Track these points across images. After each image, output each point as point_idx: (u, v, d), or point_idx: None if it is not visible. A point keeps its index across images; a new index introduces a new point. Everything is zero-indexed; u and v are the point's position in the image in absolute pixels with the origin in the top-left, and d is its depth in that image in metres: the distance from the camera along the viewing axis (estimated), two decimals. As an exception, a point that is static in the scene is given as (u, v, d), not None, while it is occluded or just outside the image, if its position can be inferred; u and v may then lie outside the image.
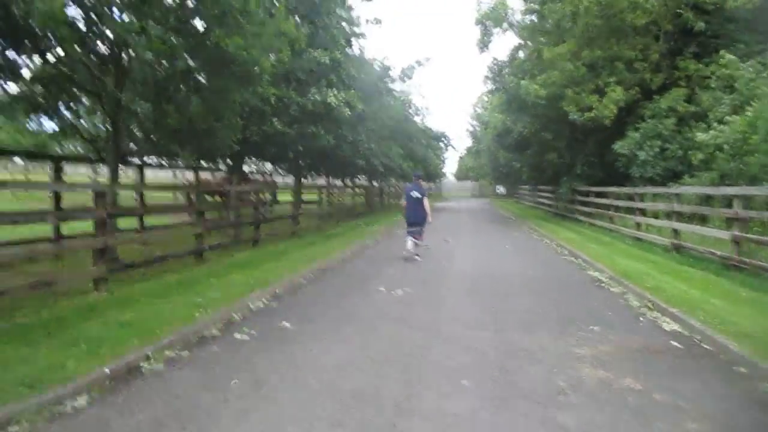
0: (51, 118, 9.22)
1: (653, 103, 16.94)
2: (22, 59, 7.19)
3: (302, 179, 28.11)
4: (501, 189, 57.23)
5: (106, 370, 4.38)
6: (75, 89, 8.85)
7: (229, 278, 8.72)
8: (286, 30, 9.98)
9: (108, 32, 6.74)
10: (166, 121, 8.83)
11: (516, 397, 4.27)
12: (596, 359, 5.15)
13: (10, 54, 6.84)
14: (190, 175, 19.28)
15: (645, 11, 16.40)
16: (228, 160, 15.76)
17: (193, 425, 3.73)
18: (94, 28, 6.63)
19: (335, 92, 13.02)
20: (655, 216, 14.26)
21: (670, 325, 6.37)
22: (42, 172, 28.41)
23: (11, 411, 3.66)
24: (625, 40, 18.01)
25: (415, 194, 12.09)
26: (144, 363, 4.77)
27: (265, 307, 7.24)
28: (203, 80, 9.17)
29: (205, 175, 20.52)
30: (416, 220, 12.04)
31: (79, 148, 12.40)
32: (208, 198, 19.37)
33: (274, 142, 14.83)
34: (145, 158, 14.86)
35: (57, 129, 9.88)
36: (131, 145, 10.88)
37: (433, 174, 49.35)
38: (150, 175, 36.31)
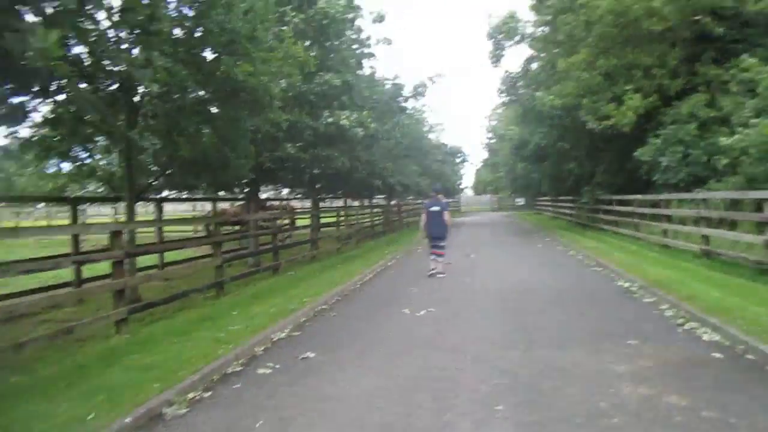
0: (64, 161, 9.25)
1: (673, 109, 16.61)
2: (31, 102, 7.24)
3: (319, 202, 28.18)
4: (520, 201, 56.70)
5: (128, 421, 4.24)
6: (87, 129, 8.88)
7: (251, 309, 8.59)
8: (295, 54, 9.98)
9: (112, 67, 6.75)
10: (178, 153, 8.81)
11: (555, 421, 4.03)
12: (636, 375, 4.88)
13: (18, 98, 6.89)
14: (209, 207, 19.37)
15: (662, 18, 16.14)
16: (245, 189, 15.76)
17: (217, 470, 3.56)
18: (98, 64, 6.64)
19: (348, 114, 12.97)
20: (682, 222, 13.87)
21: (709, 336, 6.05)
22: (67, 216, 28.95)
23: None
24: (641, 48, 17.74)
25: (435, 209, 12.02)
26: (166, 408, 4.61)
27: (288, 338, 7.08)
28: (214, 110, 9.18)
29: (223, 205, 20.62)
30: (438, 234, 11.95)
31: (100, 189, 12.49)
32: (228, 228, 19.48)
33: (288, 167, 14.81)
34: (164, 192, 14.97)
35: (74, 171, 9.90)
36: (150, 180, 10.86)
37: (451, 190, 49.13)
38: (171, 208, 36.84)
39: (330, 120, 12.92)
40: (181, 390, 4.95)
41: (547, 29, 21.76)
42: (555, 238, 20.15)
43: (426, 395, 4.68)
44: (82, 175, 11.01)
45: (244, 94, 8.93)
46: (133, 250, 8.66)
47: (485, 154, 67.48)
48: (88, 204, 26.97)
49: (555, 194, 30.72)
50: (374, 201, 30.81)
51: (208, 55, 8.92)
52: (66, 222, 17.68)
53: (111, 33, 7.08)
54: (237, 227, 19.00)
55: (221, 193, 18.12)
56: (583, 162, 21.94)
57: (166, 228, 23.65)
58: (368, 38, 17.90)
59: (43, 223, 31.16)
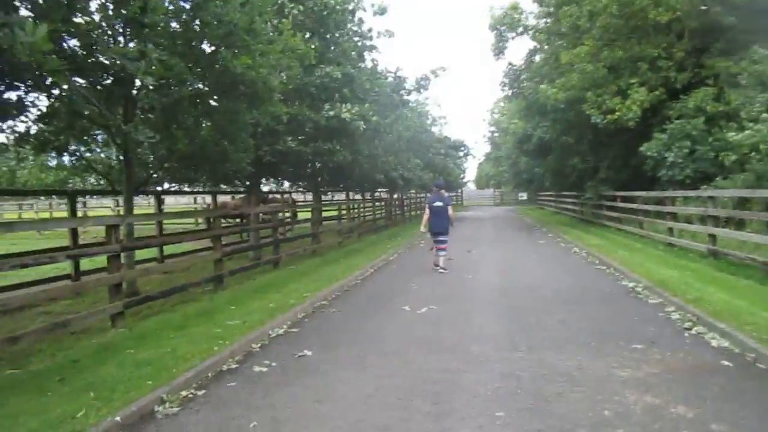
0: (61, 155, 9.10)
1: (680, 102, 16.36)
2: (28, 96, 7.09)
3: (321, 196, 28.04)
4: (523, 195, 56.48)
5: (118, 419, 4.12)
6: (84, 123, 8.74)
7: (250, 304, 8.48)
8: (295, 46, 9.81)
9: (105, 60, 6.58)
10: (176, 147, 8.66)
11: (558, 430, 3.90)
12: (642, 382, 4.75)
13: (12, 93, 6.74)
14: (210, 200, 19.25)
15: (668, 8, 15.86)
16: (245, 182, 15.62)
17: (208, 476, 3.45)
18: (90, 57, 6.47)
19: (349, 107, 12.80)
20: (688, 220, 13.70)
21: (717, 341, 5.89)
22: (79, 209, 28.99)
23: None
24: (647, 39, 17.47)
25: (438, 204, 12.04)
26: (158, 407, 4.50)
27: (286, 334, 6.96)
28: (212, 103, 9.02)
29: (224, 198, 20.51)
30: (441, 229, 11.99)
31: (102, 182, 12.39)
32: (229, 221, 19.36)
33: (289, 161, 14.67)
34: (165, 185, 14.85)
35: (71, 165, 9.77)
36: (150, 173, 10.72)
37: (454, 184, 48.93)
38: (172, 201, 36.79)
39: (331, 113, 12.76)
40: (174, 388, 4.84)
41: (550, 21, 21.51)
42: (558, 234, 19.98)
43: (425, 398, 4.55)
44: (81, 169, 10.91)
45: (242, 87, 8.78)
46: (130, 243, 8.54)
47: (487, 148, 67.15)
48: (88, 197, 27.04)
49: (558, 189, 30.52)
50: (376, 195, 30.67)
51: (206, 47, 8.77)
52: (65, 214, 17.69)
53: (104, 25, 6.94)
54: (238, 220, 18.93)
55: (223, 186, 18.02)
56: (586, 157, 21.71)
57: (168, 221, 23.68)
58: (370, 30, 17.69)
59: (46, 215, 31.19)
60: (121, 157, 9.16)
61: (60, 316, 7.78)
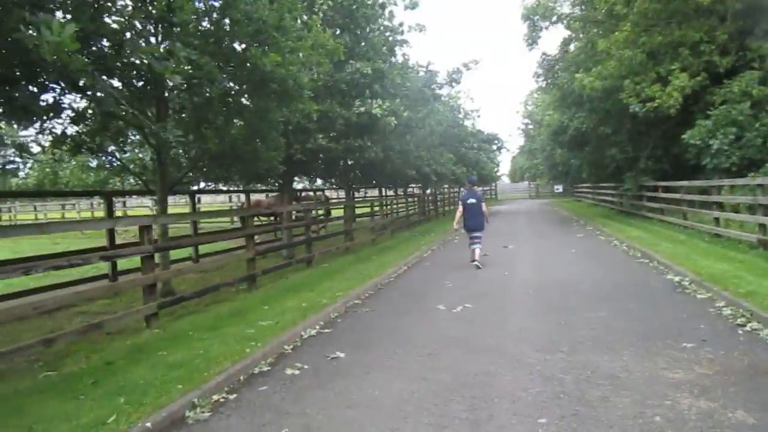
0: (95, 156, 9.19)
1: (724, 87, 15.64)
2: (62, 98, 7.14)
3: (354, 192, 27.97)
4: (559, 188, 55.43)
5: (148, 425, 4.05)
6: (117, 123, 8.80)
7: (282, 304, 8.41)
8: (324, 42, 9.68)
9: (134, 60, 6.57)
10: (206, 146, 8.63)
11: (604, 438, 3.66)
12: (695, 385, 4.44)
13: (48, 95, 6.80)
14: (244, 198, 19.36)
15: (711, -12, 15.14)
16: (278, 180, 15.63)
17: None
18: (118, 57, 6.46)
19: (380, 102, 12.62)
20: (735, 210, 13.09)
21: (775, 338, 5.53)
22: (118, 209, 29.73)
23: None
24: (688, 24, 16.74)
25: (472, 200, 11.95)
26: (189, 412, 4.42)
27: (318, 335, 6.85)
28: (242, 102, 8.97)
29: (258, 197, 20.60)
30: (476, 226, 11.87)
31: (139, 183, 12.56)
32: (263, 219, 19.46)
33: (320, 158, 14.59)
34: (201, 185, 14.96)
35: (106, 165, 9.88)
36: (183, 173, 10.76)
37: (488, 178, 48.30)
38: (209, 200, 37.36)
39: (362, 109, 12.60)
40: (205, 391, 4.77)
41: (584, 8, 20.88)
42: (596, 226, 19.43)
43: (462, 404, 4.36)
44: (117, 170, 11.04)
45: (272, 85, 8.69)
46: (163, 244, 8.56)
47: (521, 141, 66.15)
48: (127, 197, 27.62)
49: (595, 181, 29.73)
50: (409, 190, 30.44)
51: (236, 46, 8.72)
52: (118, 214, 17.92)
53: (136, 24, 6.93)
54: (271, 218, 19.00)
55: (257, 185, 18.10)
56: (625, 147, 21.03)
57: (204, 220, 23.95)
58: (401, 25, 17.48)
59: (88, 214, 32.07)
60: (155, 157, 9.21)
61: (96, 317, 7.87)
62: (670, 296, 7.90)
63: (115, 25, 6.46)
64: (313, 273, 11.74)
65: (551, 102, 27.56)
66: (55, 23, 4.34)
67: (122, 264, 10.94)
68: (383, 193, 26.30)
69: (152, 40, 7.66)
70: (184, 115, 9.52)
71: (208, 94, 7.67)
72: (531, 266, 11.51)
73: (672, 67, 16.36)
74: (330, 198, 26.53)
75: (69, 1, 5.46)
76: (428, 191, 32.22)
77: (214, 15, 8.35)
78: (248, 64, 8.31)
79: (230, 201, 31.96)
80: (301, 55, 9.41)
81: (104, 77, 6.52)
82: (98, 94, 6.35)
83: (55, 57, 4.27)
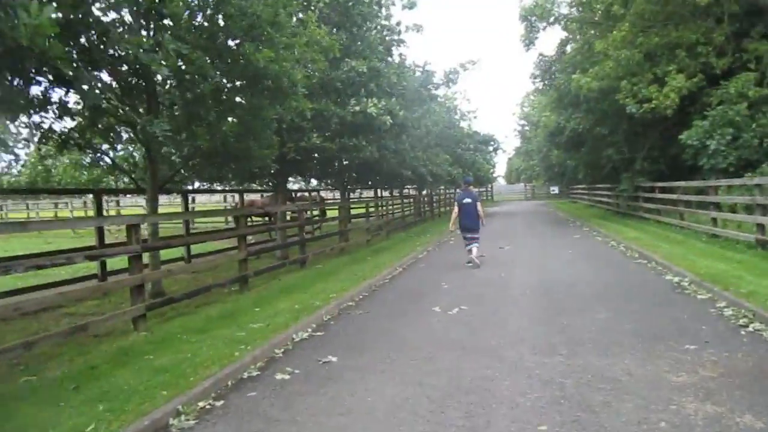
0: (83, 152, 8.95)
1: (720, 89, 15.56)
2: (51, 92, 6.94)
3: (349, 193, 27.78)
4: (555, 189, 55.37)
5: (127, 434, 3.87)
6: (110, 120, 8.59)
7: (275, 306, 8.22)
8: (319, 39, 9.51)
9: (119, 51, 6.36)
10: (197, 143, 8.44)
11: (608, 446, 3.50)
12: (700, 388, 4.28)
13: (36, 89, 6.60)
14: (238, 198, 19.17)
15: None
16: (272, 179, 15.44)
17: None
18: (101, 49, 6.25)
19: (375, 101, 12.45)
20: (732, 210, 13.00)
21: (779, 340, 5.38)
22: (111, 208, 29.46)
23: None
24: (685, 25, 16.65)
25: (467, 200, 11.96)
26: (173, 419, 4.22)
27: (310, 338, 6.67)
28: (235, 98, 8.78)
29: (252, 196, 20.41)
30: (472, 226, 11.87)
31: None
32: (257, 219, 19.25)
33: (315, 157, 14.41)
34: (195, 184, 14.75)
35: (94, 162, 9.64)
36: (175, 171, 10.54)
37: (484, 179, 48.21)
38: (204, 199, 37.06)
39: (357, 108, 12.42)
40: (191, 398, 4.57)
41: (582, 10, 20.79)
42: (593, 227, 19.31)
43: (458, 410, 4.18)
44: (109, 168, 10.82)
45: (266, 81, 8.51)
46: (151, 244, 8.36)
47: (517, 142, 66.11)
48: (122, 196, 27.34)
49: (591, 182, 29.69)
50: (405, 191, 30.28)
51: (230, 42, 8.54)
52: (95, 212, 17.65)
53: (120, 15, 6.75)
54: (266, 219, 18.79)
55: (253, 185, 17.89)
56: (621, 148, 20.94)
57: (198, 220, 23.71)
58: (398, 24, 17.34)
59: (81, 213, 31.75)
60: (145, 155, 9.01)
61: (84, 318, 7.67)
62: (670, 297, 7.75)
63: (100, 14, 6.25)
64: (306, 274, 11.55)
65: (548, 103, 27.47)
66: (33, 5, 4.15)
67: (116, 263, 10.72)
68: (379, 194, 26.12)
69: (143, 33, 7.48)
70: (176, 112, 9.32)
71: (199, 90, 7.47)
72: (528, 267, 11.36)
73: (669, 68, 16.28)
74: (325, 198, 26.34)
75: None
76: (424, 192, 32.07)
77: (208, 10, 8.18)
78: (241, 60, 8.14)
79: (225, 201, 31.77)
80: (296, 51, 9.24)
81: (90, 69, 6.29)
82: (84, 87, 6.12)
83: (32, 42, 4.07)
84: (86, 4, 5.82)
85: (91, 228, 11.41)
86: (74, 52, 6.12)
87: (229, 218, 22.10)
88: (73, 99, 7.88)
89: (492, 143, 44.02)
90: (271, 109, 9.06)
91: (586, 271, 10.40)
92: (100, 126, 8.74)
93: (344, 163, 16.49)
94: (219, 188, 17.58)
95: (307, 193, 23.23)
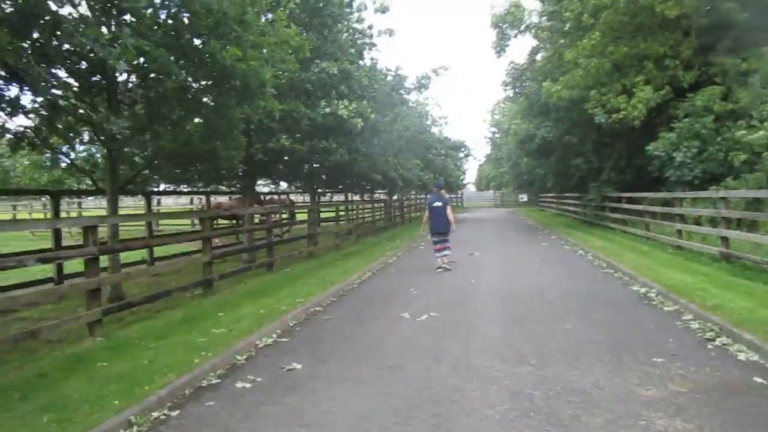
0: (40, 152, 8.52)
1: (687, 101, 15.87)
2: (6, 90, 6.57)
3: (319, 197, 27.51)
4: (524, 197, 55.99)
5: (72, 448, 3.61)
6: (65, 117, 8.21)
7: (239, 311, 7.97)
8: (288, 38, 9.30)
9: (76, 46, 6.04)
10: (159, 143, 8.14)
11: (577, 461, 3.40)
12: (669, 403, 4.23)
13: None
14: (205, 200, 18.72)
15: (677, 3, 15.33)
16: (239, 181, 15.12)
17: None
18: (51, 43, 5.91)
19: (346, 103, 12.28)
20: (697, 222, 13.22)
21: (746, 355, 5.36)
22: (72, 210, 28.51)
23: None
24: (653, 37, 16.97)
25: (438, 204, 12.00)
26: (124, 431, 3.99)
27: (275, 344, 6.46)
28: (201, 98, 8.50)
29: (220, 199, 19.99)
30: (441, 229, 11.92)
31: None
32: (224, 222, 18.86)
33: (283, 159, 14.16)
34: (161, 186, 14.34)
35: (50, 163, 9.21)
36: (137, 171, 10.15)
37: (454, 185, 48.45)
38: (171, 202, 36.23)
39: (327, 110, 12.24)
40: (145, 407, 4.33)
41: (553, 21, 21.04)
42: (561, 236, 19.48)
43: (425, 422, 4.04)
44: (68, 169, 10.39)
45: (233, 81, 8.27)
46: (109, 246, 8.02)
47: (488, 149, 66.70)
48: (83, 197, 26.50)
49: (559, 191, 30.05)
50: (375, 196, 30.17)
51: (195, 39, 8.27)
52: (63, 215, 16.88)
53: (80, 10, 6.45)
54: (233, 221, 18.42)
55: (221, 188, 17.50)
56: (590, 158, 21.23)
57: (164, 222, 23.12)
58: (370, 27, 17.23)
59: (41, 215, 30.65)
60: (106, 155, 8.65)
61: (36, 323, 7.32)
62: (637, 308, 7.77)
63: (56, 7, 5.94)
64: (273, 278, 11.31)
65: (518, 111, 27.72)
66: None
67: (77, 267, 10.28)
68: (349, 198, 25.93)
69: (104, 30, 7.17)
70: (138, 111, 8.99)
71: (162, 89, 7.19)
72: (497, 274, 11.33)
73: (637, 80, 16.54)
74: (295, 202, 26.03)
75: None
76: (395, 197, 32.00)
77: (173, 9, 7.90)
78: (207, 59, 7.89)
79: (192, 203, 31.13)
80: (265, 51, 9.02)
81: (42, 63, 5.97)
82: (37, 82, 5.81)
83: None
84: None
85: (36, 229, 10.92)
86: (25, 44, 5.79)
87: (195, 221, 21.64)
88: (30, 97, 7.55)
89: (463, 149, 44.29)
90: (238, 108, 8.81)
91: (555, 279, 10.41)
92: (58, 125, 8.35)
93: (314, 165, 16.26)
94: (186, 190, 17.17)
95: (276, 196, 22.90)
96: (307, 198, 25.41)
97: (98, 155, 11.31)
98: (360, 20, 16.82)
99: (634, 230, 16.95)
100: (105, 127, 6.20)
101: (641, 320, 6.98)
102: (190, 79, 8.42)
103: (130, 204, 30.28)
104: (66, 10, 6.42)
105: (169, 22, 7.95)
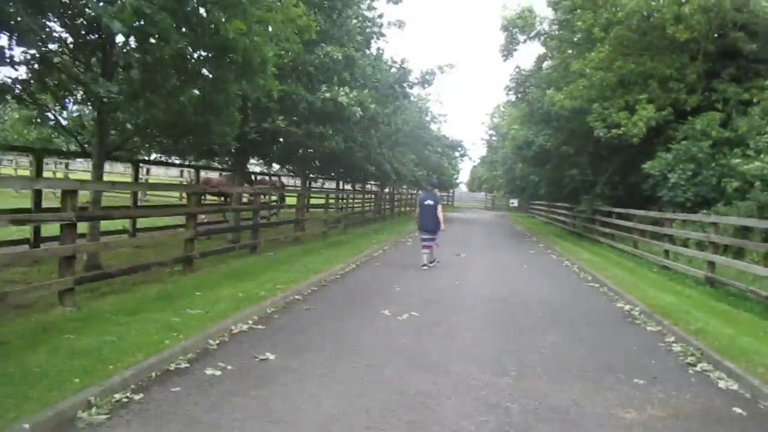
0: (27, 107, 8.21)
1: (687, 124, 15.86)
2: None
3: (311, 182, 27.27)
4: (515, 202, 56.03)
5: (26, 426, 3.37)
6: (59, 75, 7.92)
7: (217, 292, 7.78)
8: (296, 17, 9.06)
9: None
10: (151, 111, 7.89)
11: (551, 484, 3.27)
12: (648, 428, 4.11)
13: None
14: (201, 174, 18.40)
15: (688, 27, 15.26)
16: (231, 158, 14.85)
17: None
18: None
19: (347, 91, 12.05)
20: (684, 244, 13.20)
21: (725, 383, 5.26)
22: (59, 171, 28.00)
23: None
24: (660, 58, 16.92)
25: (429, 202, 11.92)
26: (82, 412, 3.76)
27: (250, 331, 6.28)
28: (199, 69, 8.25)
29: (210, 175, 19.70)
30: (430, 228, 11.85)
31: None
32: (212, 198, 18.59)
33: (278, 141, 13.91)
34: (145, 154, 14.01)
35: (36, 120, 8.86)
36: (125, 138, 9.86)
37: (447, 183, 48.35)
38: (160, 172, 35.71)
39: (327, 95, 11.99)
40: (107, 388, 4.12)
41: (563, 30, 20.90)
42: (549, 245, 19.43)
43: (397, 428, 3.89)
44: (56, 127, 10.07)
45: (234, 55, 8.03)
46: (89, 213, 7.76)
47: (484, 151, 66.60)
48: (71, 159, 26.01)
49: (551, 199, 30.04)
50: (367, 187, 29.98)
51: (200, 8, 8.01)
52: (49, 175, 16.37)
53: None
54: (221, 198, 18.15)
55: (214, 164, 17.20)
56: (585, 170, 21.20)
57: (152, 193, 22.75)
58: (381, 16, 16.94)
59: (26, 172, 30.07)
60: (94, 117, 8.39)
61: (5, 286, 7.07)
62: (620, 326, 7.68)
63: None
64: (256, 261, 11.13)
65: (519, 116, 27.63)
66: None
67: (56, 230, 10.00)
68: (341, 187, 25.73)
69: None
70: (133, 76, 8.71)
71: (159, 55, 6.94)
72: (482, 278, 11.23)
73: (640, 97, 16.48)
74: (286, 185, 25.78)
75: None
76: (386, 190, 31.83)
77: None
78: (211, 28, 7.64)
79: (182, 176, 30.74)
80: (270, 28, 8.78)
81: (32, 12, 5.70)
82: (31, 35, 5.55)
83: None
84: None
85: (10, 188, 10.55)
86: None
87: (184, 194, 21.31)
88: (21, 50, 7.26)
89: (459, 149, 44.16)
90: (236, 84, 8.57)
91: (540, 288, 10.32)
92: (48, 81, 8.05)
93: (309, 150, 16.03)
94: (177, 162, 16.88)
95: (267, 177, 22.64)
96: (299, 182, 25.19)
97: (90, 117, 11.02)
98: (371, 8, 16.54)
99: (622, 246, 16.92)
100: (92, 89, 5.94)
101: (624, 339, 6.88)
102: (190, 48, 8.18)
103: (119, 172, 29.83)
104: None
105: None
